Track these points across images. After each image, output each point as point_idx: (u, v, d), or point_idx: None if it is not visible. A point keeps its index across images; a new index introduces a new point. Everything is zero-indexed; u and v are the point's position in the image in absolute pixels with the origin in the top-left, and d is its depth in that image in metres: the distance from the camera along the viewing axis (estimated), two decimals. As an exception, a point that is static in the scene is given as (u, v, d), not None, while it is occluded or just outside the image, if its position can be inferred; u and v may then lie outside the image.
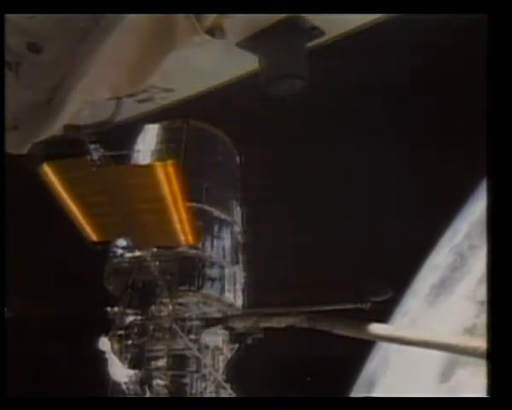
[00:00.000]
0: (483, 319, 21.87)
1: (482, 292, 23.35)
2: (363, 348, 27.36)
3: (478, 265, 25.21)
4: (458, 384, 22.17)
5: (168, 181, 6.87)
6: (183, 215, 7.85)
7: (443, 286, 27.47)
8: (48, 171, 5.43)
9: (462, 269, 26.60)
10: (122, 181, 6.63)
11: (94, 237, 7.72)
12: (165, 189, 6.98)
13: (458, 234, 28.81)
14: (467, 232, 28.13)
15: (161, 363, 11.25)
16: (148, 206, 7.27)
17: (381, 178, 24.64)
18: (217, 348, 11.84)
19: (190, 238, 8.67)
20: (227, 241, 12.26)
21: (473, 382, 20.12)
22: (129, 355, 11.12)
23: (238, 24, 3.01)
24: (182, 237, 8.44)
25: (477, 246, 26.30)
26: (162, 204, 7.29)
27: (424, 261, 28.83)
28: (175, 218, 7.78)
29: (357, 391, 27.05)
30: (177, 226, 8.03)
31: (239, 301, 12.06)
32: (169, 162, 6.84)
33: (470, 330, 23.28)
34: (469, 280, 25.60)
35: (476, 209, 27.59)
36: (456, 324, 23.99)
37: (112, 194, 6.59)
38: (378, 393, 26.50)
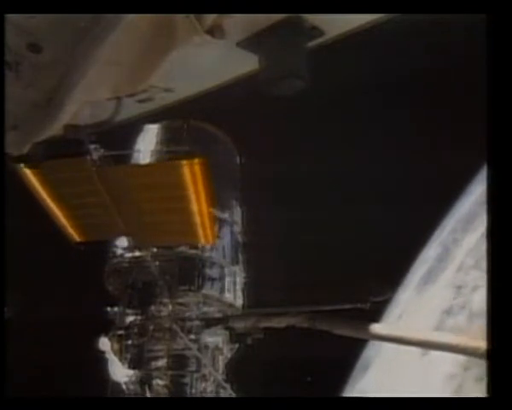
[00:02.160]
0: (458, 301, 25.86)
1: (459, 278, 27.02)
2: (361, 348, 27.89)
3: (458, 255, 28.51)
4: (436, 356, 23.50)
5: (193, 180, 6.59)
6: (205, 215, 7.62)
7: (429, 276, 30.11)
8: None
9: (446, 260, 29.45)
10: (140, 180, 6.47)
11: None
12: (190, 188, 6.71)
13: (445, 229, 31.62)
14: (453, 228, 30.89)
15: (161, 363, 11.24)
16: (169, 205, 7.07)
17: (380, 178, 24.67)
18: (217, 348, 11.83)
19: (210, 239, 8.52)
20: (227, 241, 12.24)
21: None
22: (129, 355, 11.11)
23: (238, 24, 3.00)
24: (201, 238, 8.29)
25: (459, 239, 29.44)
26: (185, 204, 7.05)
27: (417, 257, 31.39)
28: (197, 218, 7.55)
29: (354, 375, 29.06)
30: (198, 226, 7.82)
31: (239, 301, 12.04)
32: (196, 161, 6.56)
33: (448, 311, 26.05)
34: (450, 269, 28.57)
35: (461, 206, 30.76)
36: (435, 306, 26.96)
37: (129, 193, 6.45)
38: (370, 373, 28.51)
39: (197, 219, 7.57)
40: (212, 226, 8.39)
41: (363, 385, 28.24)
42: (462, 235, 29.23)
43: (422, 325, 25.77)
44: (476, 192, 28.99)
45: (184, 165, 6.39)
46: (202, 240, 8.48)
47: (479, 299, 24.41)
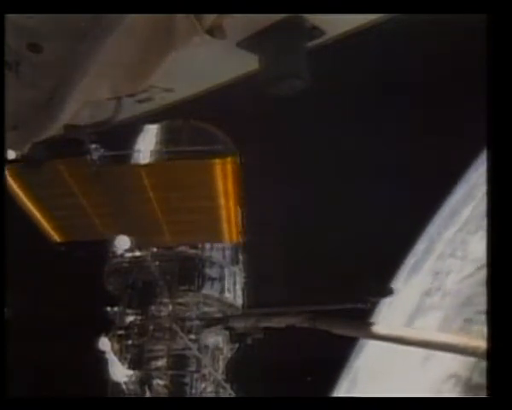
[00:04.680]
0: (436, 285, 29.98)
1: (438, 265, 31.38)
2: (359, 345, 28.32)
3: (439, 245, 32.86)
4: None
5: (224, 179, 6.61)
6: (232, 213, 7.61)
7: (416, 266, 33.97)
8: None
9: (430, 252, 33.55)
10: (162, 179, 6.42)
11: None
12: (220, 187, 6.71)
13: (433, 225, 35.36)
14: (439, 223, 34.84)
15: (161, 363, 11.25)
16: (195, 203, 7.05)
17: (380, 178, 24.70)
18: (217, 348, 11.83)
19: (234, 236, 8.54)
20: (227, 241, 12.24)
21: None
22: (129, 355, 11.11)
23: (238, 24, 3.00)
24: (226, 236, 8.28)
25: (442, 233, 33.52)
26: (213, 202, 7.05)
27: (410, 252, 34.78)
28: (224, 216, 7.54)
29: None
30: (224, 225, 7.81)
31: (239, 301, 12.05)
32: (228, 160, 6.57)
33: (427, 293, 30.29)
34: (432, 258, 32.81)
35: (447, 205, 34.59)
36: (416, 290, 31.19)
37: (149, 192, 6.40)
38: (363, 357, 31.16)
39: (224, 218, 7.58)
40: (238, 224, 8.41)
41: (358, 363, 31.26)
42: (445, 229, 33.30)
43: (406, 307, 29.97)
44: (459, 192, 33.24)
45: (217, 164, 6.40)
46: (227, 238, 8.49)
47: (450, 281, 28.87)
